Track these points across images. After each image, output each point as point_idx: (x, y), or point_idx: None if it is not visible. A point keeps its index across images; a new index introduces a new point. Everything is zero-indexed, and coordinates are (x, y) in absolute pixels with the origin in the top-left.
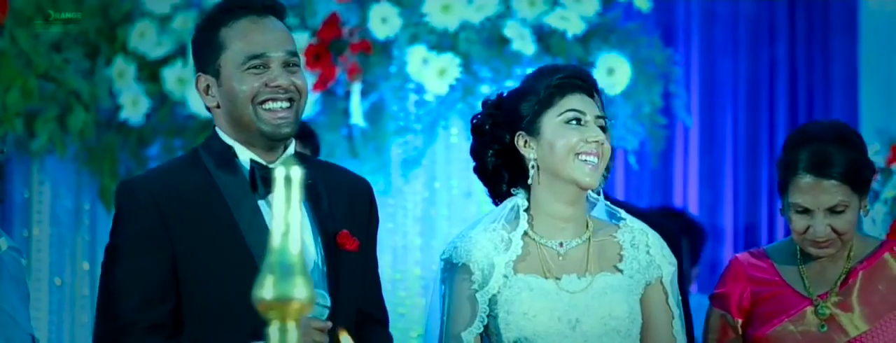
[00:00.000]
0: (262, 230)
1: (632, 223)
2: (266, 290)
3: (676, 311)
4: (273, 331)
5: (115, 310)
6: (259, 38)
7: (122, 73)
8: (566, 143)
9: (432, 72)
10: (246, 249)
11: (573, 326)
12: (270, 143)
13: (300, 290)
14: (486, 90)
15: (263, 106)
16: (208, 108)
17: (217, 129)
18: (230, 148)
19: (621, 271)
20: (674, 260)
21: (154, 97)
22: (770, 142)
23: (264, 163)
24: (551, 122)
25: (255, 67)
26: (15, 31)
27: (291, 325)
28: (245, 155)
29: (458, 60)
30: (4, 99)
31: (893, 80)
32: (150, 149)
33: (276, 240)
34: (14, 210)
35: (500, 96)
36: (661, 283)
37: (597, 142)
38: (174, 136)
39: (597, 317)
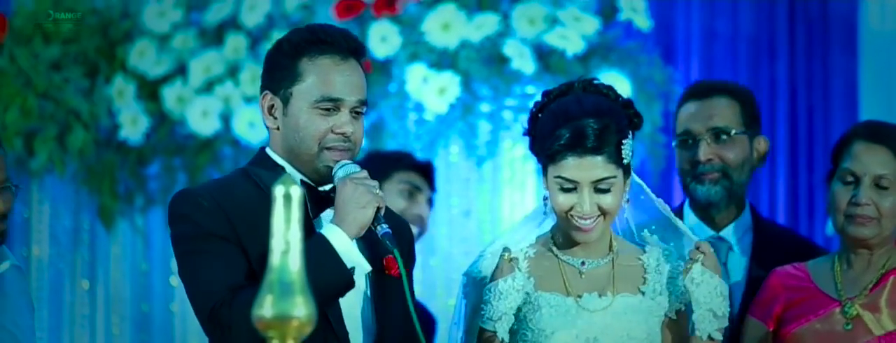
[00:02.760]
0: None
1: (658, 247)
2: (265, 308)
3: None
4: None
5: (218, 286)
6: (338, 80)
7: (122, 92)
8: (559, 205)
9: (432, 90)
10: None
11: None
12: (312, 180)
13: (300, 308)
14: (485, 109)
15: (328, 149)
16: (266, 126)
17: (268, 149)
18: (281, 168)
19: (643, 293)
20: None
21: (153, 116)
22: (770, 160)
23: (313, 184)
24: (551, 177)
25: (326, 109)
26: (14, 50)
27: None
28: (296, 176)
29: (457, 79)
30: (4, 118)
31: (893, 98)
32: (149, 168)
33: (275, 258)
34: (14, 229)
35: (543, 102)
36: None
37: (585, 212)
38: (174, 155)
39: (615, 336)
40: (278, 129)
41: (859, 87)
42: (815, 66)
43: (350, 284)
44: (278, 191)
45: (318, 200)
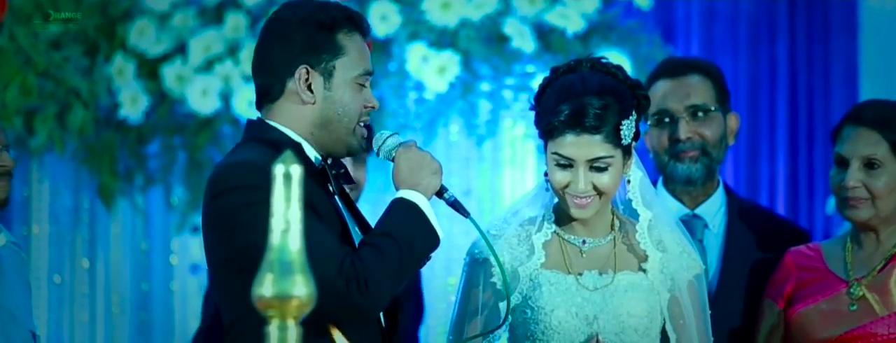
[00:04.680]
0: (346, 222)
1: (656, 223)
2: (265, 287)
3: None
4: (273, 329)
5: (333, 246)
6: (368, 56)
7: (122, 71)
8: (555, 181)
9: (432, 69)
10: (349, 237)
11: (590, 323)
12: (338, 154)
13: (300, 287)
14: (486, 88)
15: (359, 123)
16: (274, 97)
17: (278, 124)
18: (299, 144)
19: (645, 271)
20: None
21: (153, 95)
22: (770, 141)
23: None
24: (549, 153)
25: (362, 84)
26: (14, 28)
27: (291, 323)
28: (312, 152)
29: (457, 58)
30: (3, 97)
31: (893, 79)
32: (149, 147)
33: (275, 237)
34: (13, 208)
35: (550, 78)
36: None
37: (579, 190)
38: (173, 133)
39: (614, 314)
40: (314, 103)
41: (859, 68)
42: (815, 46)
43: (437, 246)
44: (278, 170)
45: (338, 176)
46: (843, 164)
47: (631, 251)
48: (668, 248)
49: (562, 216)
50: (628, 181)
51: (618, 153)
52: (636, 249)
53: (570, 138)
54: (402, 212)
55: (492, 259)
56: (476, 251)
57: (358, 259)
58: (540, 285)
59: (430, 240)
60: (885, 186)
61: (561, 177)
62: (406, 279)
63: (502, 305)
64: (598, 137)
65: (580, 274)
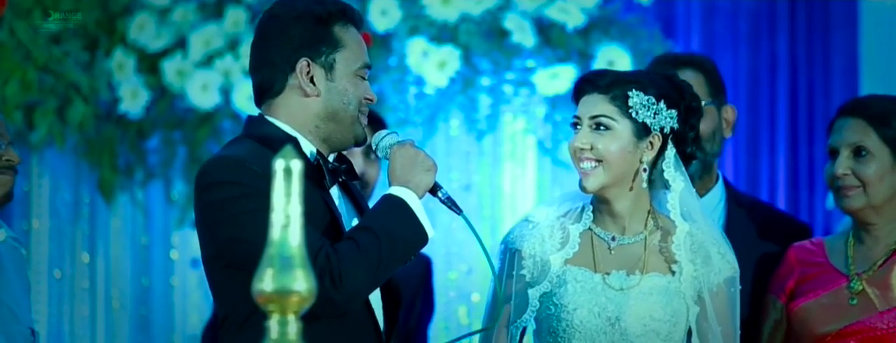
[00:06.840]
0: (338, 216)
1: (697, 226)
2: (266, 282)
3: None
4: (273, 323)
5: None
6: (365, 49)
7: (122, 66)
8: (569, 148)
9: (432, 64)
10: (339, 232)
11: (612, 323)
12: (345, 145)
13: (300, 282)
14: (486, 82)
15: (361, 114)
16: (276, 93)
17: (277, 119)
18: (295, 139)
19: (673, 273)
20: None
21: (153, 90)
22: (770, 136)
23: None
24: None
25: (362, 77)
26: (14, 23)
27: (291, 318)
28: (308, 147)
29: (458, 53)
30: (4, 91)
31: (894, 75)
32: (149, 141)
33: (276, 232)
34: (13, 203)
35: None
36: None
37: (577, 148)
38: (173, 128)
39: (637, 316)
40: (318, 95)
41: (860, 63)
42: (815, 41)
43: (425, 243)
44: (279, 164)
45: (335, 171)
46: (835, 154)
47: (663, 253)
48: (704, 253)
49: (597, 210)
50: (645, 170)
51: (624, 121)
52: (669, 252)
53: (582, 99)
54: (388, 207)
55: (493, 257)
56: (509, 239)
57: (333, 252)
58: (566, 282)
59: (415, 236)
60: (875, 173)
61: (573, 139)
62: (387, 274)
63: (531, 292)
64: (602, 96)
65: (607, 273)
